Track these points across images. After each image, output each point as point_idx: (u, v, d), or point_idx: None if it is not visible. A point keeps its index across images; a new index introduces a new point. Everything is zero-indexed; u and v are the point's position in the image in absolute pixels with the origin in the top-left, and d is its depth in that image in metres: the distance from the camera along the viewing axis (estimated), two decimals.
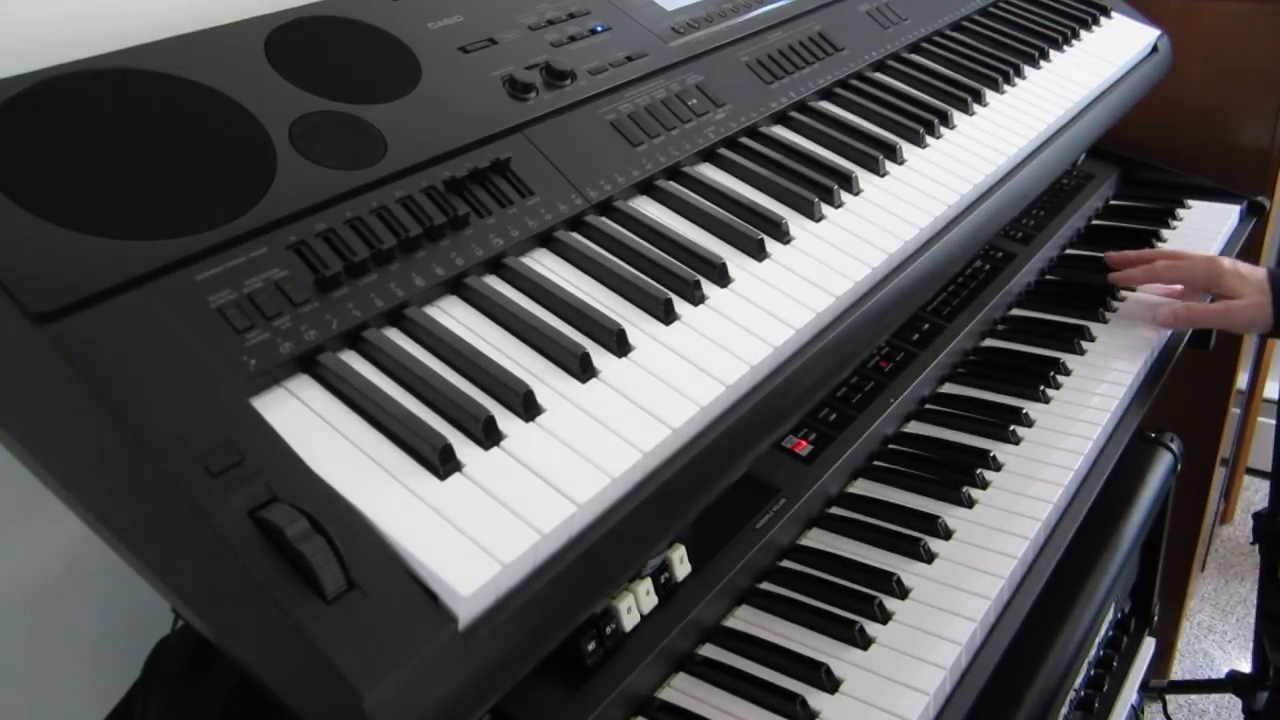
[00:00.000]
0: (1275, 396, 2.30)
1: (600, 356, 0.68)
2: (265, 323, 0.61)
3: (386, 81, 0.78)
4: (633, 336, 0.70)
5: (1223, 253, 1.40)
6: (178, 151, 0.66)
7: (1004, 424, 1.07)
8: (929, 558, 0.90)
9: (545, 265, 0.75)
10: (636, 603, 0.76)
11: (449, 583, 0.53)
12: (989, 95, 1.13)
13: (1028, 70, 1.20)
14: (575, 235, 0.77)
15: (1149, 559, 1.38)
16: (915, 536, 0.92)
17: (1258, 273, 1.18)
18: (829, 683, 0.78)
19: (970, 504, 0.97)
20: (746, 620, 0.85)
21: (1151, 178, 1.57)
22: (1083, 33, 1.33)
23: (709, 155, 0.91)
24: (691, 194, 0.85)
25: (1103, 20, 1.39)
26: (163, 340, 0.58)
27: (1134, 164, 1.57)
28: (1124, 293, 1.30)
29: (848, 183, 0.92)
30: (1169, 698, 1.83)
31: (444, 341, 0.66)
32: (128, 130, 0.66)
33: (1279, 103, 1.53)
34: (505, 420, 0.62)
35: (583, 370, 0.67)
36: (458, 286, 0.71)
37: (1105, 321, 1.25)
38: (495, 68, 0.83)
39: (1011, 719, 0.92)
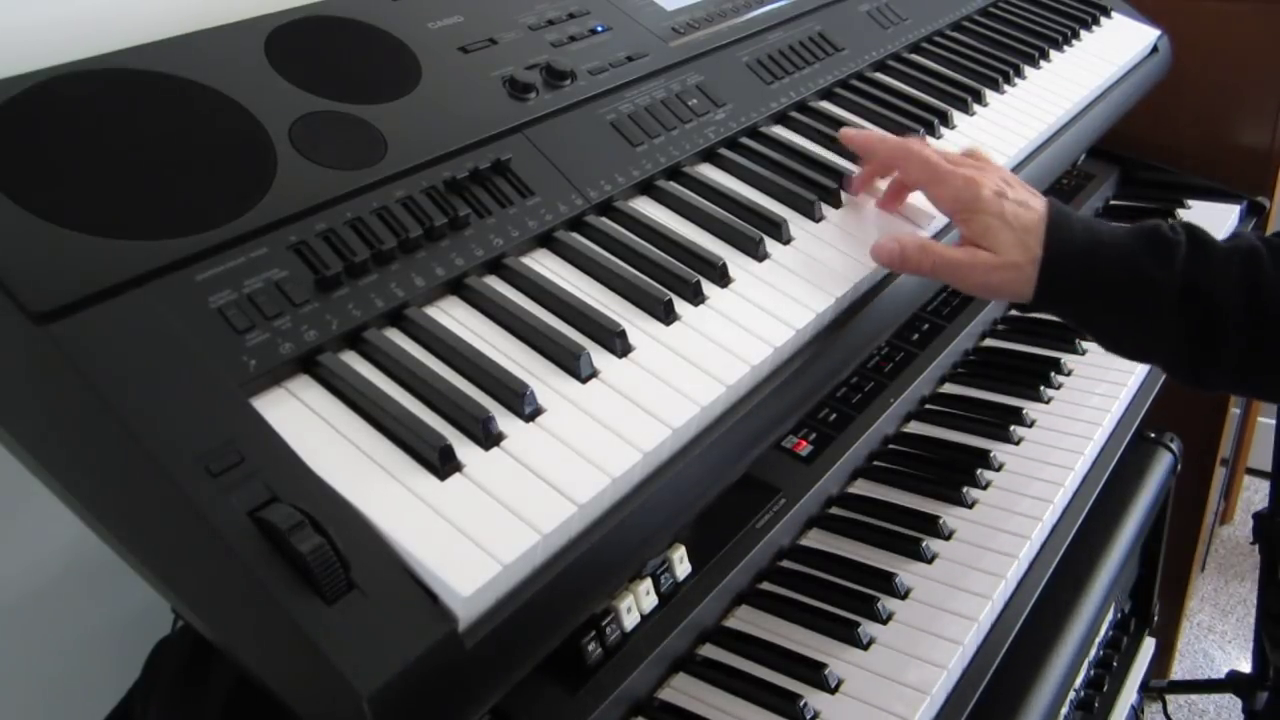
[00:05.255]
0: None
1: (600, 356, 0.68)
2: (265, 323, 0.61)
3: (386, 81, 0.78)
4: (633, 336, 0.70)
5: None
6: (178, 151, 0.66)
7: (1004, 424, 1.07)
8: (929, 558, 0.90)
9: (545, 265, 0.75)
10: (636, 603, 0.76)
11: (449, 583, 0.53)
12: (989, 95, 1.13)
13: (1028, 70, 1.20)
14: (575, 235, 0.77)
15: (1149, 559, 1.39)
16: (915, 536, 0.92)
17: (1026, 216, 0.79)
18: (829, 683, 0.78)
19: (970, 504, 0.97)
20: (746, 620, 0.85)
21: (1151, 178, 1.57)
22: (1083, 33, 1.33)
23: (709, 155, 0.91)
24: (691, 194, 0.85)
25: (1103, 20, 1.39)
26: (163, 340, 0.58)
27: (1134, 164, 1.57)
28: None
29: (848, 183, 0.92)
30: (1169, 698, 1.83)
31: (444, 341, 0.66)
32: (128, 130, 0.66)
33: (1279, 103, 1.53)
34: (505, 420, 0.62)
35: (583, 370, 0.67)
36: (458, 287, 0.71)
37: None
38: (495, 68, 0.83)
39: (1012, 719, 0.92)
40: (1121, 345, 0.81)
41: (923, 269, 0.82)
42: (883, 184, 0.90)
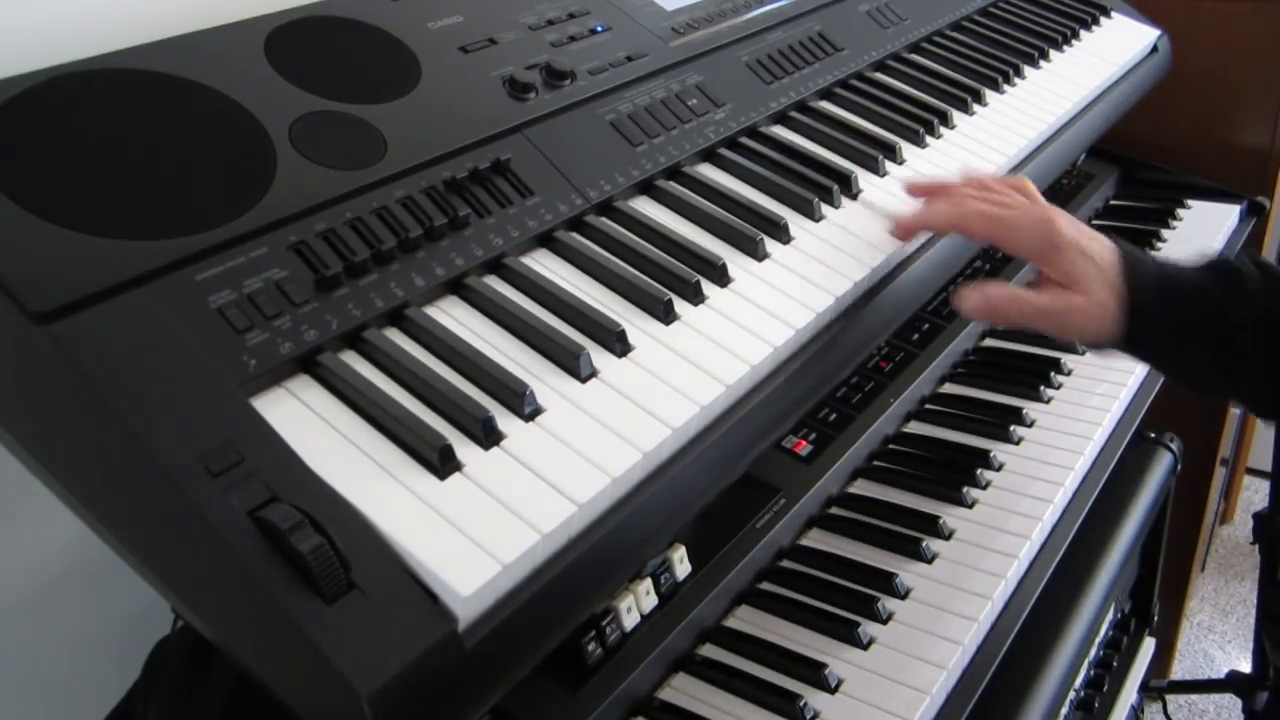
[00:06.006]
0: None
1: (600, 356, 0.68)
2: (265, 323, 0.61)
3: (386, 81, 0.78)
4: (633, 336, 0.70)
5: (1222, 253, 1.40)
6: (178, 151, 0.66)
7: (1004, 424, 1.07)
8: (929, 558, 0.90)
9: (545, 265, 0.75)
10: (636, 603, 0.76)
11: (449, 583, 0.53)
12: (989, 95, 1.13)
13: (1028, 70, 1.20)
14: (575, 235, 0.77)
15: (1149, 559, 1.39)
16: (915, 536, 0.92)
17: (1105, 252, 0.77)
18: (829, 683, 0.78)
19: (970, 504, 0.97)
20: (746, 620, 0.85)
21: (1151, 178, 1.57)
22: (1083, 33, 1.33)
23: (709, 155, 0.91)
24: (691, 194, 0.85)
25: (1103, 20, 1.39)
26: (163, 340, 0.58)
27: (1134, 164, 1.57)
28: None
29: (847, 183, 0.92)
30: (1169, 698, 1.83)
31: (444, 341, 0.66)
32: (128, 130, 0.66)
33: (1279, 103, 1.53)
34: (505, 420, 0.62)
35: (583, 370, 0.67)
36: (458, 286, 0.71)
37: None
38: (495, 68, 0.83)
39: (1012, 719, 0.92)
40: (1209, 384, 0.80)
41: (1012, 319, 0.80)
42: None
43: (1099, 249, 0.77)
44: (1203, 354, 0.76)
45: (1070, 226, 0.78)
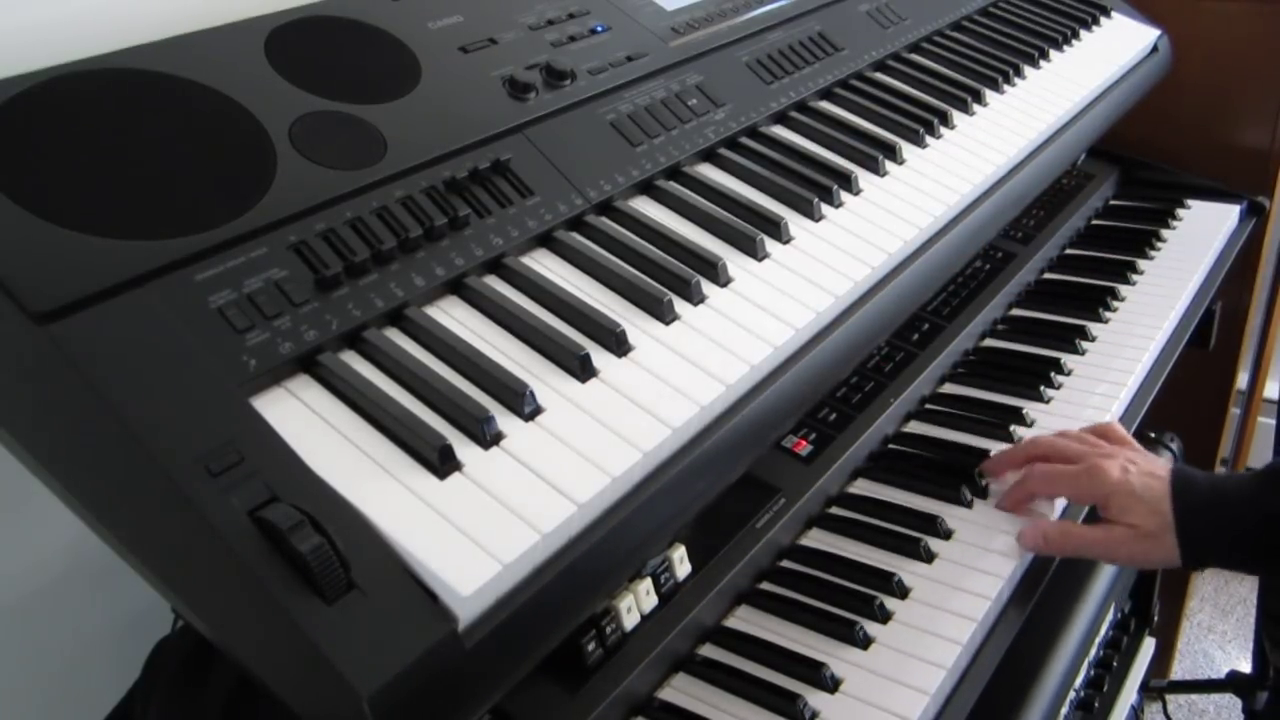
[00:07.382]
0: (1275, 396, 2.29)
1: (600, 356, 0.68)
2: (265, 323, 0.61)
3: (386, 81, 0.78)
4: (633, 336, 0.70)
5: (1221, 254, 1.40)
6: (178, 151, 0.66)
7: (1004, 424, 1.07)
8: (929, 558, 0.90)
9: (545, 265, 0.75)
10: (636, 603, 0.76)
11: (449, 583, 0.53)
12: (989, 95, 1.13)
13: (1028, 70, 1.20)
14: (575, 235, 0.77)
15: None
16: (915, 536, 0.92)
17: (1155, 485, 0.87)
18: (829, 683, 0.78)
19: (970, 504, 0.97)
20: (746, 620, 0.85)
21: (1151, 178, 1.57)
22: (1083, 32, 1.33)
23: (709, 155, 0.91)
24: (691, 194, 0.85)
25: (1103, 20, 1.39)
26: (163, 340, 0.58)
27: (1134, 164, 1.57)
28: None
29: (848, 183, 0.92)
30: (1169, 698, 1.83)
31: (444, 341, 0.66)
32: (128, 130, 0.66)
33: (1279, 103, 1.53)
34: (505, 420, 0.62)
35: (583, 370, 0.67)
36: (458, 286, 0.71)
37: (1105, 322, 1.25)
38: (495, 68, 0.83)
39: (1012, 719, 0.92)
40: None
41: (1066, 551, 0.91)
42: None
43: (1150, 484, 0.87)
44: (1264, 557, 0.85)
45: (1120, 471, 0.89)
